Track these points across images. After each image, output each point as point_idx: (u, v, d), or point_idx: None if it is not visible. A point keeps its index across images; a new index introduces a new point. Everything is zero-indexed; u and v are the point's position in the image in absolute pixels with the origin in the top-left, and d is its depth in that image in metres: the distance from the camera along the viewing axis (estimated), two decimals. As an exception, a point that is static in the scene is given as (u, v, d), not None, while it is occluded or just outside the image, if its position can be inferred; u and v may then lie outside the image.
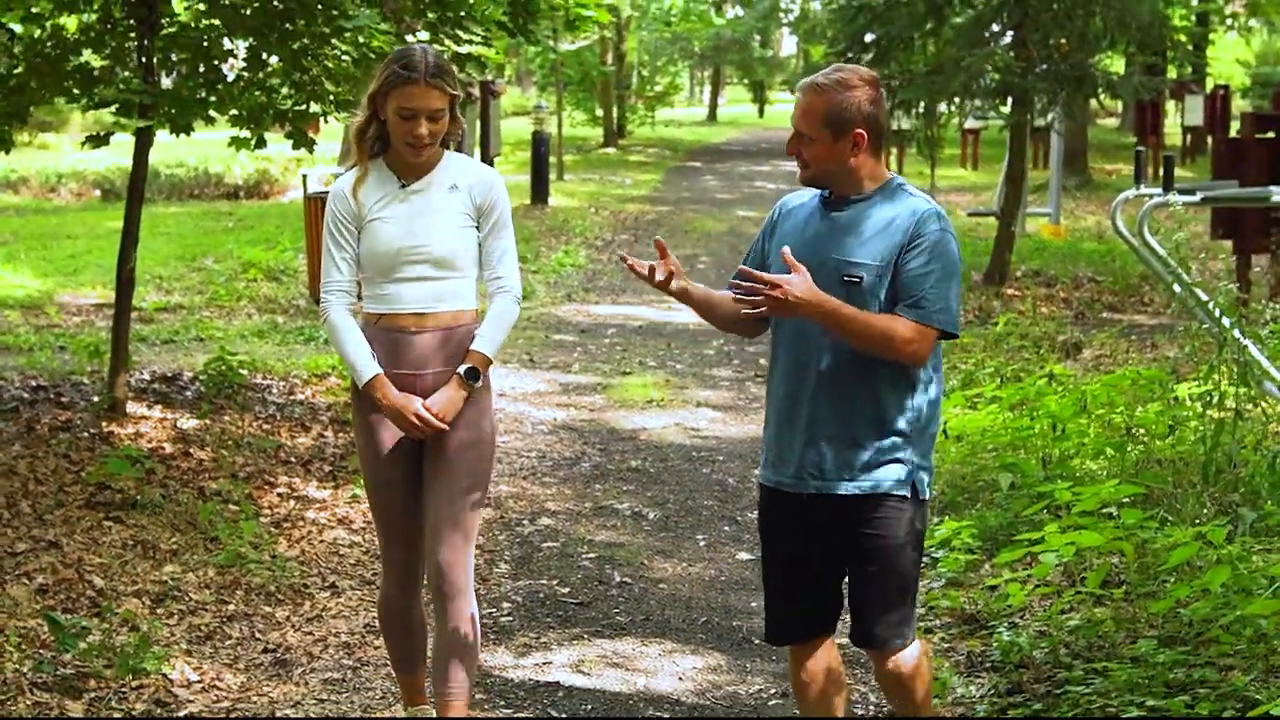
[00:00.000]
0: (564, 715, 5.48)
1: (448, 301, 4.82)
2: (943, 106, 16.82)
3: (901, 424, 4.34)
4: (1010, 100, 15.85)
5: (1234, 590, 5.45)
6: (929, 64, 15.97)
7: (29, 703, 5.23)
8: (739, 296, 4.27)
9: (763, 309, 4.23)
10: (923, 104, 15.70)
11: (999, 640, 5.96)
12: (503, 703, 5.57)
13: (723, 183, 29.27)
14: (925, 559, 6.76)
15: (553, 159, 27.51)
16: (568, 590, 6.82)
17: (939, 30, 16.01)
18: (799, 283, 4.18)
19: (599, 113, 38.49)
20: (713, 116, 54.53)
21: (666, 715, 5.50)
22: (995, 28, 15.72)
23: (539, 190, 23.54)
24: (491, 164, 21.28)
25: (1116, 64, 32.30)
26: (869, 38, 15.94)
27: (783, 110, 59.34)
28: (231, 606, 6.39)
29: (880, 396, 4.32)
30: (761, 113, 57.93)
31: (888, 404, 4.33)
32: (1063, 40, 15.64)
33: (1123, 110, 36.98)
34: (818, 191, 4.46)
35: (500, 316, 4.89)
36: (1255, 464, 6.89)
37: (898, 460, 4.34)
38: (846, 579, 4.48)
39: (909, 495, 4.36)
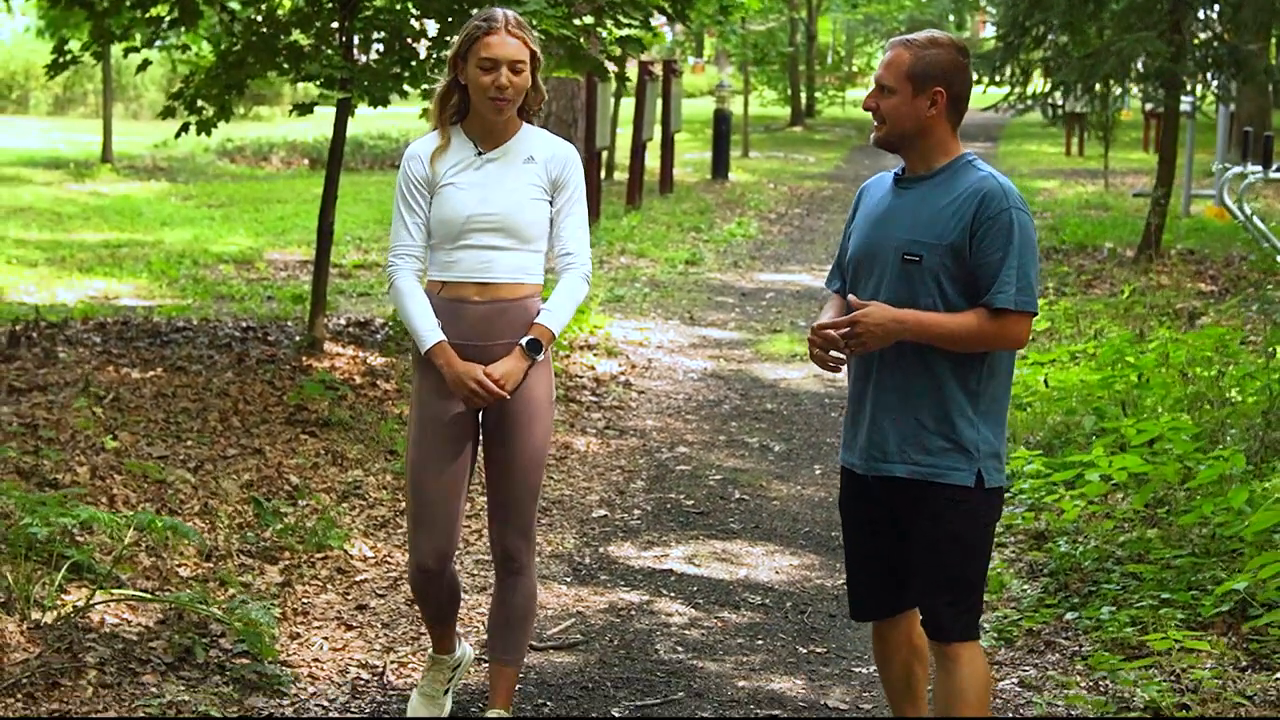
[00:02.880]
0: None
1: (513, 273, 4.79)
2: (1108, 90, 17.55)
3: (967, 407, 4.25)
4: (1162, 84, 16.40)
5: (1254, 508, 6.31)
6: (1087, 48, 16.64)
7: (236, 564, 6.42)
8: (822, 355, 4.31)
9: (847, 354, 4.28)
10: (1079, 86, 16.38)
11: (1055, 551, 6.86)
12: (623, 583, 6.64)
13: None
14: (1010, 491, 7.72)
15: (737, 136, 28.51)
16: (692, 503, 7.87)
17: (1098, 15, 16.64)
18: (873, 311, 4.19)
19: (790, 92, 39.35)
20: (905, 97, 54.91)
21: (756, 599, 6.51)
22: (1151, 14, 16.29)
23: (719, 165, 24.58)
24: (671, 141, 22.38)
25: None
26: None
27: (976, 92, 59.45)
28: (403, 504, 7.53)
29: (944, 376, 4.25)
30: (955, 94, 58.03)
31: (952, 385, 4.25)
32: (1222, 27, 16.28)
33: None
34: (895, 170, 4.44)
35: (569, 292, 4.83)
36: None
37: (960, 448, 4.24)
38: None
39: (973, 485, 4.26)
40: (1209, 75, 16.62)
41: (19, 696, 5.04)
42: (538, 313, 4.80)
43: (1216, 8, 16.03)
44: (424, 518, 4.87)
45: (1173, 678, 5.43)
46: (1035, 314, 4.27)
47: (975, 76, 18.30)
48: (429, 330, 4.73)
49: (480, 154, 4.80)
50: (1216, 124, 21.01)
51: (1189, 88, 16.90)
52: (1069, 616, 6.18)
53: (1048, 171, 27.49)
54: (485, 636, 5.38)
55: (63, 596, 5.71)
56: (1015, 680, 5.67)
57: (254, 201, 20.42)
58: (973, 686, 4.30)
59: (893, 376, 4.29)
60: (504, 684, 4.99)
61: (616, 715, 5.31)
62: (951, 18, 53.58)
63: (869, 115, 4.39)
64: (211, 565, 6.38)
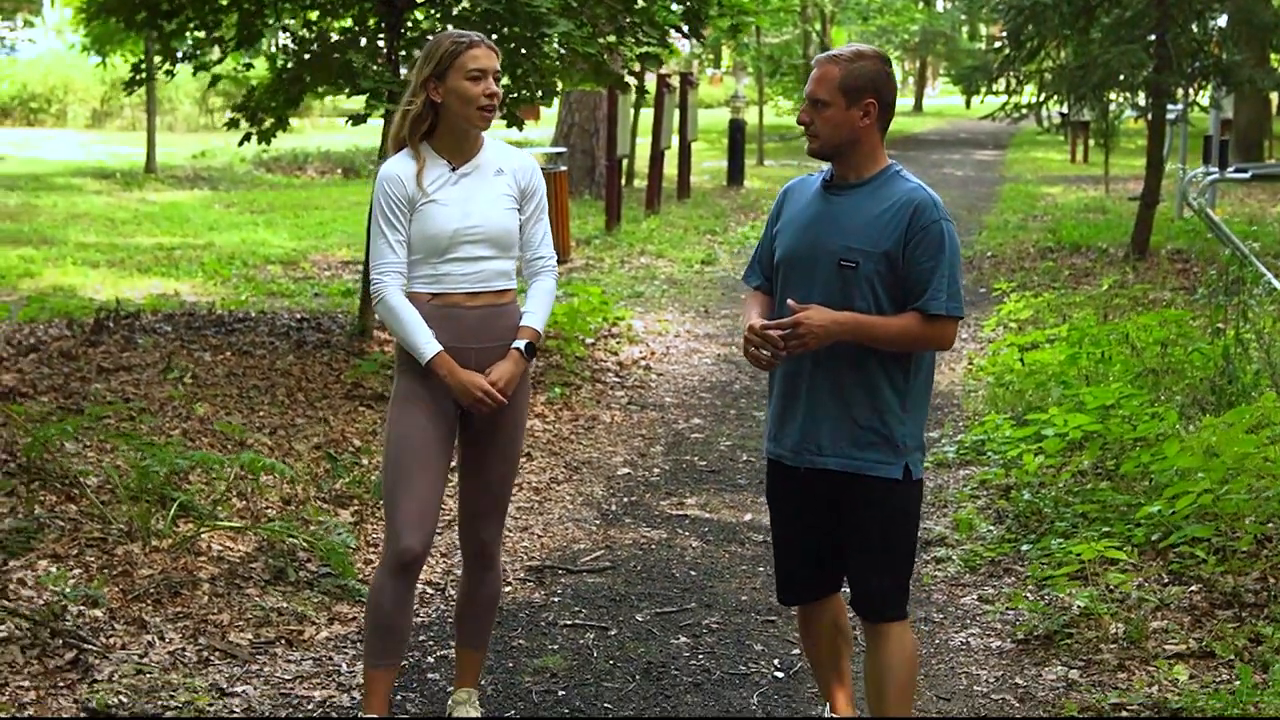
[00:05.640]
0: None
1: (496, 280, 4.99)
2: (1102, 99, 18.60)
3: (895, 404, 4.52)
4: (1148, 94, 17.43)
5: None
6: (1078, 60, 17.71)
7: (314, 506, 7.52)
8: (757, 354, 4.52)
9: (786, 353, 4.46)
10: (1071, 96, 17.46)
11: (1019, 499, 7.92)
12: (645, 524, 7.73)
13: (913, 169, 30.70)
14: (986, 452, 8.80)
15: (753, 145, 29.65)
16: (705, 463, 8.95)
17: (1088, 30, 17.70)
18: (815, 314, 4.40)
19: (804, 102, 40.45)
20: (918, 107, 56.07)
21: (759, 537, 7.58)
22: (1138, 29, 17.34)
23: (734, 172, 25.73)
24: (688, 149, 23.50)
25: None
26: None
27: (991, 102, 60.63)
28: (452, 463, 8.63)
29: (875, 376, 4.50)
30: (968, 104, 59.14)
31: (881, 384, 4.51)
32: (1209, 39, 17.35)
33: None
34: (820, 173, 4.68)
35: (546, 294, 5.11)
36: (1248, 380, 8.74)
37: (890, 442, 4.52)
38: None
39: (900, 478, 4.55)
40: (1195, 85, 17.67)
41: (148, 602, 6.15)
42: (520, 314, 5.06)
43: (1198, 22, 17.04)
44: (410, 512, 4.93)
45: (1105, 590, 6.49)
46: (962, 318, 4.56)
47: (973, 85, 19.47)
48: (427, 343, 4.87)
49: (454, 170, 4.97)
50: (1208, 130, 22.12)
51: (1177, 97, 17.93)
52: (1024, 548, 7.24)
53: (1052, 178, 28.54)
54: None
55: (175, 529, 6.83)
56: (975, 597, 6.75)
57: (293, 208, 21.59)
58: (901, 663, 4.64)
59: (827, 375, 4.52)
60: (472, 666, 5.28)
61: (639, 618, 6.40)
62: (965, 30, 54.65)
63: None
64: (293, 508, 7.48)
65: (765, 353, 4.48)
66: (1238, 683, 5.44)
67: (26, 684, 5.38)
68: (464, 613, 5.28)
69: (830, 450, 4.54)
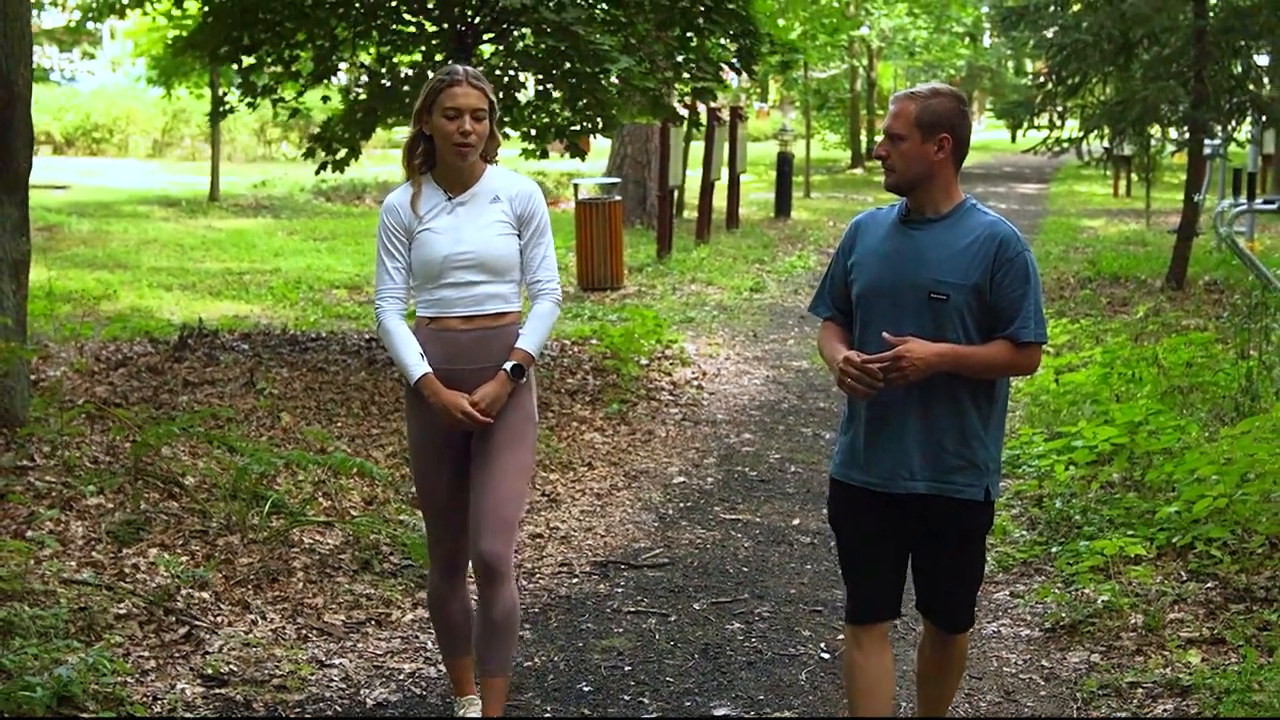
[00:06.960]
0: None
1: (490, 303, 5.15)
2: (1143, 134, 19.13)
3: (980, 429, 4.70)
4: (1188, 129, 17.94)
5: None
6: (1119, 96, 18.24)
7: (394, 506, 8.11)
8: (855, 385, 4.59)
9: (884, 385, 4.57)
10: (1109, 131, 17.99)
11: (1051, 507, 8.45)
12: (700, 526, 8.29)
13: (957, 202, 31.51)
14: (1021, 465, 9.34)
15: (800, 178, 30.26)
16: (755, 474, 9.52)
17: (1128, 67, 18.22)
18: (916, 347, 4.53)
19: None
20: (964, 141, 56.47)
21: (806, 539, 8.14)
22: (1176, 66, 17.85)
23: (782, 204, 26.35)
24: (737, 180, 24.12)
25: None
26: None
27: (1035, 137, 60.96)
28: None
29: (962, 403, 4.67)
30: (1014, 138, 59.64)
31: (968, 410, 4.68)
32: (1247, 76, 17.84)
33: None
34: (893, 207, 4.79)
35: (542, 317, 5.24)
36: (1269, 399, 9.26)
37: (976, 465, 4.70)
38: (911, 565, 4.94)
39: (982, 499, 4.75)
40: (1233, 121, 18.15)
41: (249, 586, 6.76)
42: (517, 337, 5.20)
43: (1238, 59, 17.52)
44: (440, 520, 5.32)
45: (1127, 584, 7.02)
46: (1047, 342, 4.79)
47: (1017, 120, 20.00)
48: (415, 365, 5.12)
49: (450, 199, 5.16)
50: (1246, 165, 22.59)
51: (1214, 132, 18.43)
52: (1054, 550, 7.78)
53: (1094, 211, 29.02)
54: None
55: (269, 524, 7.43)
56: (1007, 592, 7.29)
57: (354, 235, 22.30)
58: (960, 665, 5.12)
59: (917, 403, 4.66)
60: (494, 696, 5.28)
61: (696, 607, 6.97)
62: (1011, 65, 55.12)
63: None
64: (374, 508, 8.08)
65: (862, 386, 4.59)
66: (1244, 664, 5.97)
67: (146, 654, 5.99)
68: (480, 635, 5.26)
69: (920, 475, 4.68)
